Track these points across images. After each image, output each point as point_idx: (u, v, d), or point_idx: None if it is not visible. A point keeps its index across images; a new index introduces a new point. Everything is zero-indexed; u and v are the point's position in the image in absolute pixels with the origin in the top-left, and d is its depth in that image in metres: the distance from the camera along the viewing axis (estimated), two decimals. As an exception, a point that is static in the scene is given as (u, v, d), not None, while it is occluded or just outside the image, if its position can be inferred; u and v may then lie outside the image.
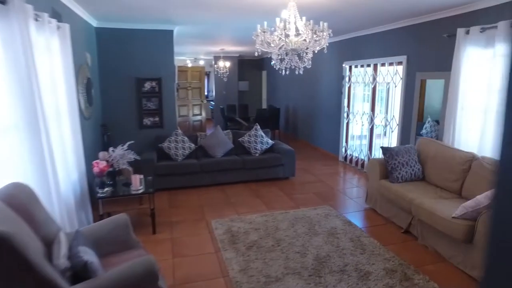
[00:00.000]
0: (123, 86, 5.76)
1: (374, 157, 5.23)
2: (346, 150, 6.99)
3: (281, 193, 5.17)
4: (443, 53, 4.47)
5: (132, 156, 3.70)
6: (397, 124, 5.41)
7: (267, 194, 5.12)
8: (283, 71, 3.79)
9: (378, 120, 5.90)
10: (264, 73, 12.73)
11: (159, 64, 5.86)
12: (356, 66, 6.47)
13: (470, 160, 3.75)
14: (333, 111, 7.35)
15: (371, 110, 6.08)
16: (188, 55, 11.88)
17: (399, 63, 5.30)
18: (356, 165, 6.63)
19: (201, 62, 14.07)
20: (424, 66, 4.81)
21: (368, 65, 6.06)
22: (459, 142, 4.19)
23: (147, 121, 6.00)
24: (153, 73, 5.85)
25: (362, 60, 6.20)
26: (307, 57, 3.45)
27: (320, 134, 8.14)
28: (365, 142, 6.35)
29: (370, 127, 6.14)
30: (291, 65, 3.62)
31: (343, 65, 6.80)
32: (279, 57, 3.56)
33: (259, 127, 6.14)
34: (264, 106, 12.88)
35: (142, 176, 3.93)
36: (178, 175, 5.31)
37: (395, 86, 5.40)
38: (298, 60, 3.50)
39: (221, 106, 9.71)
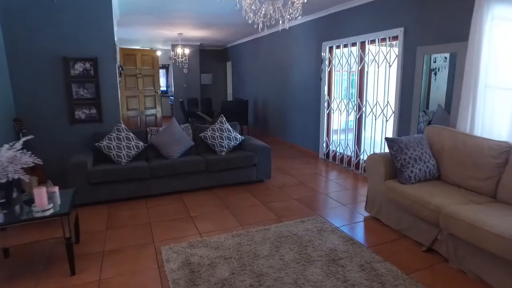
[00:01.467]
0: (44, 68, 4.37)
1: (375, 153, 4.28)
2: (328, 146, 6.02)
3: (256, 201, 4.06)
4: (454, 20, 3.57)
5: (29, 159, 2.41)
6: (393, 112, 4.49)
7: (239, 204, 3.99)
8: (259, 26, 2.64)
9: (368, 109, 4.96)
10: (228, 64, 11.58)
11: (93, 39, 4.53)
12: (338, 47, 5.50)
13: (507, 152, 2.85)
14: (311, 101, 6.36)
15: (358, 97, 5.14)
16: (142, 43, 10.44)
17: (394, 38, 4.38)
18: (341, 163, 5.67)
19: (159, 53, 12.63)
20: (427, 38, 3.91)
21: (354, 44, 5.11)
22: (483, 129, 3.29)
23: (80, 113, 4.64)
24: (86, 51, 4.51)
25: (345, 39, 5.24)
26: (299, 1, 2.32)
27: (295, 129, 7.13)
28: (351, 135, 5.40)
29: (357, 117, 5.19)
30: (271, 17, 2.47)
31: (323, 46, 5.82)
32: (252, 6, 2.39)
33: (224, 119, 4.99)
34: (230, 99, 11.73)
35: (56, 189, 2.66)
36: (121, 182, 4.04)
37: (390, 66, 4.47)
38: (281, 8, 2.37)
39: (180, 99, 8.43)
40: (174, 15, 6.16)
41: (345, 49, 5.35)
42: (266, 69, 8.35)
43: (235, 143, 4.88)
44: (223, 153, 4.75)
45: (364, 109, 5.03)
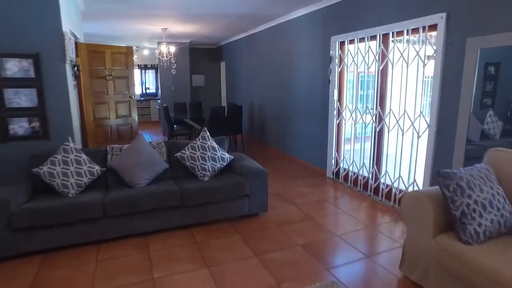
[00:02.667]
0: (-36, 68, 3.28)
1: (418, 190, 3.15)
2: (337, 163, 4.93)
3: (247, 251, 2.96)
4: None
5: None
6: (428, 125, 3.40)
7: (223, 256, 2.89)
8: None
9: (392, 121, 3.87)
10: (222, 64, 10.49)
11: (33, 28, 3.44)
12: (351, 41, 4.42)
13: None
14: (317, 108, 5.27)
15: (378, 105, 4.05)
16: (125, 40, 9.34)
17: (432, 27, 3.29)
18: (354, 185, 4.58)
19: (145, 52, 11.56)
20: (484, 26, 2.82)
21: (372, 38, 4.03)
22: None
23: (17, 128, 3.55)
24: (23, 44, 3.43)
25: (361, 31, 4.16)
26: None
27: (298, 141, 6.04)
28: (368, 152, 4.31)
29: (377, 130, 4.10)
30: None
31: (331, 41, 4.74)
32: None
33: (208, 134, 3.90)
34: (224, 104, 10.65)
35: None
36: (62, 225, 2.94)
37: (424, 66, 3.38)
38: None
39: (164, 105, 7.34)
40: (153, 4, 5.07)
41: (361, 44, 4.26)
42: (264, 70, 7.26)
43: (221, 164, 3.79)
44: (206, 178, 3.66)
45: (386, 120, 3.93)
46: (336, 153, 4.92)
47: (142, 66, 12.08)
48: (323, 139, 5.15)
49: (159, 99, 11.32)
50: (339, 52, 4.63)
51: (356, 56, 4.32)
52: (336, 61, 4.68)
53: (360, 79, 4.47)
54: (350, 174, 4.63)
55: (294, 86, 5.98)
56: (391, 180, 3.90)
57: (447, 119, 3.20)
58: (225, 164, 3.84)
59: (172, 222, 3.33)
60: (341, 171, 4.83)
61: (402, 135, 3.71)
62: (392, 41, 3.77)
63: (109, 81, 5.22)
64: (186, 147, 3.77)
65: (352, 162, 4.59)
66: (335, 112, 4.80)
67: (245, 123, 8.53)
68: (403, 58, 3.61)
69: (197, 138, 3.85)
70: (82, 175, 3.28)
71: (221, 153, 3.82)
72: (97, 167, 3.40)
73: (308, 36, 5.37)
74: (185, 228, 3.40)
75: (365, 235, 3.27)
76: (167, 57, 7.55)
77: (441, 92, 3.23)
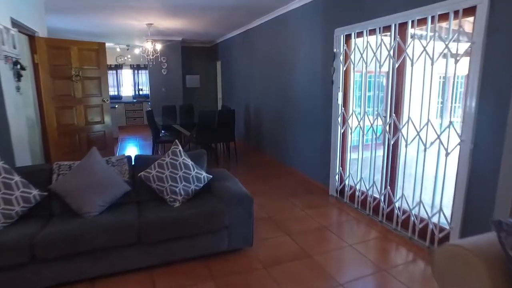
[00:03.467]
0: None
1: (459, 244, 2.29)
2: (342, 180, 4.15)
3: (218, 311, 2.21)
4: None
5: None
6: (461, 140, 2.61)
7: (185, 318, 2.14)
8: None
9: (410, 132, 3.09)
10: (218, 64, 9.75)
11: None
12: (359, 34, 3.64)
13: None
14: (319, 113, 4.51)
15: (392, 112, 3.27)
16: (114, 38, 8.64)
17: (467, 11, 2.51)
18: (362, 208, 3.80)
19: (137, 51, 10.86)
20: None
21: (386, 28, 3.25)
22: None
23: None
24: None
25: (371, 22, 3.39)
26: None
27: (297, 150, 5.27)
28: (381, 168, 3.52)
29: (391, 143, 3.32)
30: None
31: (335, 34, 3.97)
32: None
33: (180, 148, 3.15)
34: (220, 107, 9.92)
35: None
36: (-26, 273, 2.21)
37: (456, 62, 2.60)
38: None
39: (148, 108, 6.61)
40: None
41: (371, 38, 3.49)
42: (260, 69, 6.51)
43: (197, 186, 3.04)
44: (177, 204, 2.92)
45: (403, 131, 3.15)
46: (340, 168, 4.15)
47: (135, 66, 11.40)
48: (325, 150, 4.38)
49: (147, 101, 10.62)
50: (344, 48, 3.86)
51: (365, 52, 3.55)
52: (341, 58, 3.91)
53: (368, 79, 3.69)
54: (357, 193, 3.85)
55: (292, 87, 5.21)
56: (408, 205, 3.12)
57: (488, 132, 2.42)
58: (201, 185, 3.09)
59: (127, 263, 2.59)
60: (346, 189, 4.05)
61: (425, 150, 2.93)
62: (412, 36, 2.99)
63: (76, 82, 4.50)
64: (153, 165, 3.02)
65: (360, 180, 3.81)
66: (339, 119, 4.03)
67: (241, 127, 7.78)
68: (427, 53, 2.83)
69: (166, 154, 3.10)
70: (13, 202, 2.55)
71: (196, 172, 3.07)
72: (35, 192, 2.67)
73: (308, 29, 4.61)
74: (144, 271, 2.65)
75: (377, 285, 2.49)
76: (153, 55, 6.81)
77: (479, 96, 2.44)
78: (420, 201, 2.98)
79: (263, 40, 6.24)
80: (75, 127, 4.55)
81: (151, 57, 6.87)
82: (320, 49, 4.35)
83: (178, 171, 3.00)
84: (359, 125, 3.73)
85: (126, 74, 11.48)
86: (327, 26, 4.14)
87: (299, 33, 4.88)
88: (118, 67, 11.27)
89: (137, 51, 10.72)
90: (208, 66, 10.13)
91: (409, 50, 3.01)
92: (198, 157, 3.26)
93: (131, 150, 7.52)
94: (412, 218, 3.09)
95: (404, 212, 3.21)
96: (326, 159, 4.37)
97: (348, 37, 3.84)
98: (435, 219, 2.87)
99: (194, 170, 3.07)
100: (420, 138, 2.94)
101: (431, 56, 2.79)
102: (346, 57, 3.87)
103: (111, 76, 11.31)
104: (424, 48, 2.83)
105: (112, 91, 11.39)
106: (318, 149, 4.59)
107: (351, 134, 3.96)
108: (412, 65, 2.97)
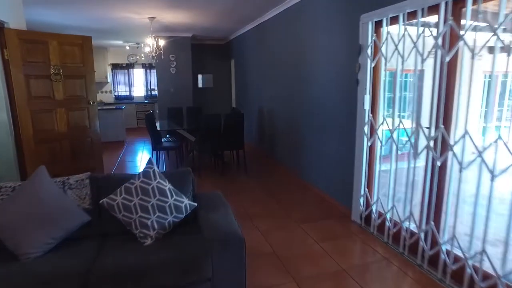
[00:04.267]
0: None
1: None
2: (368, 204, 3.31)
3: None
4: None
5: None
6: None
7: None
8: None
9: (467, 148, 2.23)
10: (232, 63, 9.04)
11: None
12: (393, 20, 2.80)
13: None
14: (341, 119, 3.69)
15: (440, 122, 2.42)
16: (118, 36, 8.09)
17: None
18: (395, 243, 2.95)
19: (147, 49, 10.30)
20: None
21: (431, 10, 2.41)
22: None
23: None
24: None
25: (409, 1, 2.55)
26: None
27: (315, 162, 4.47)
28: (418, 194, 2.67)
29: (438, 162, 2.46)
30: None
31: (361, 22, 3.14)
32: None
33: (155, 168, 2.44)
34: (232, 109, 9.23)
35: None
36: None
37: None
38: None
39: (150, 110, 6.00)
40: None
41: (410, 28, 2.65)
42: (272, 68, 5.74)
43: (176, 218, 2.32)
44: (148, 241, 2.22)
45: (456, 149, 2.30)
46: (366, 189, 3.32)
47: (147, 65, 10.89)
48: (347, 165, 3.56)
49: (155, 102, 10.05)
50: (373, 38, 3.03)
51: (402, 42, 2.71)
52: (369, 52, 3.08)
53: (405, 79, 2.85)
54: (387, 223, 3.01)
55: (307, 88, 4.42)
56: (463, 253, 2.27)
57: None
58: (182, 216, 2.36)
59: (68, 330, 1.89)
60: (373, 216, 3.22)
61: (492, 179, 2.07)
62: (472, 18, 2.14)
63: (56, 81, 3.90)
64: (119, 190, 2.32)
65: (392, 208, 2.97)
66: (366, 128, 3.20)
67: (254, 132, 7.04)
68: (500, 40, 1.97)
69: (136, 176, 2.39)
70: None
71: (175, 200, 2.35)
72: (-42, 225, 2.03)
73: (328, 18, 3.80)
74: None
75: None
76: (155, 52, 6.18)
77: None
78: (483, 251, 2.12)
79: (276, 35, 5.47)
80: (55, 133, 3.95)
81: (154, 55, 6.24)
82: (342, 41, 3.53)
83: (150, 198, 2.29)
84: (391, 138, 2.89)
85: (138, 74, 10.99)
86: (351, 12, 3.33)
87: (316, 23, 4.07)
88: (129, 66, 10.80)
89: (147, 49, 10.17)
90: (222, 65, 9.44)
91: (469, 37, 2.15)
92: (180, 178, 2.55)
93: (133, 158, 6.93)
94: (469, 271, 2.23)
95: (456, 259, 2.36)
96: (348, 176, 3.55)
97: (378, 25, 3.01)
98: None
99: (172, 197, 2.34)
100: (483, 160, 2.09)
101: (506, 44, 1.93)
102: (376, 50, 3.04)
103: (122, 75, 10.86)
104: (495, 32, 1.97)
105: (124, 91, 10.95)
106: (339, 163, 3.78)
107: (380, 148, 3.12)
108: (473, 58, 2.11)
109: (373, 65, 3.07)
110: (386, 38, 2.87)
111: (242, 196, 4.38)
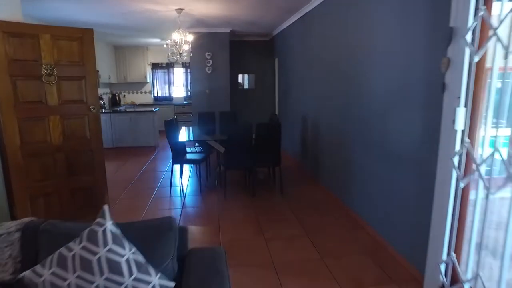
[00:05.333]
0: None
1: None
2: (455, 273, 2.13)
3: None
4: None
5: None
6: None
7: None
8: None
9: None
10: (276, 62, 8.06)
11: None
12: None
13: None
14: (411, 142, 2.55)
15: None
16: (151, 33, 7.51)
17: None
18: None
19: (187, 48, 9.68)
20: None
21: None
22: None
23: None
24: None
25: None
26: None
27: (368, 194, 3.33)
28: None
29: None
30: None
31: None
32: None
33: (107, 225, 1.52)
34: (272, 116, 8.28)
35: None
36: None
37: None
38: None
39: (173, 117, 5.25)
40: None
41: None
42: (318, 68, 4.66)
43: (132, 312, 1.39)
44: None
45: None
46: (453, 254, 2.14)
47: (187, 65, 10.30)
48: (422, 209, 2.42)
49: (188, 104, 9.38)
50: (481, 14, 1.86)
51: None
52: (467, 38, 1.92)
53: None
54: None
55: (363, 97, 3.30)
56: None
57: None
58: (146, 306, 1.44)
59: None
60: (464, 296, 2.04)
61: None
62: None
63: (50, 83, 3.21)
64: (49, 259, 1.46)
65: (505, 297, 1.78)
66: (455, 160, 2.04)
67: (296, 144, 6.00)
68: None
69: (81, 234, 1.52)
70: None
71: (136, 280, 1.43)
72: None
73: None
74: None
75: None
76: (181, 49, 5.39)
77: None
78: None
79: (324, 24, 4.38)
80: (48, 145, 3.28)
81: (180, 52, 5.47)
82: (419, 25, 2.39)
83: (94, 276, 1.40)
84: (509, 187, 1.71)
85: (178, 74, 10.46)
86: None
87: (380, 5, 2.95)
88: (169, 65, 10.30)
89: (186, 47, 9.56)
90: (265, 64, 8.50)
91: None
92: (155, 235, 1.62)
93: (161, 167, 6.24)
94: None
95: None
96: (422, 225, 2.40)
97: (489, 2, 1.85)
98: None
99: (131, 274, 1.43)
100: None
101: None
102: (483, 35, 1.88)
103: (161, 75, 10.40)
104: None
105: (163, 92, 10.49)
106: (406, 202, 2.63)
107: (485, 197, 1.94)
108: None
109: (476, 59, 1.90)
110: (504, 17, 1.69)
111: (272, 230, 3.40)
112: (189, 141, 4.90)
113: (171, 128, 4.64)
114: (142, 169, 5.88)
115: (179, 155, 4.70)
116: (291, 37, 6.19)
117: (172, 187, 4.74)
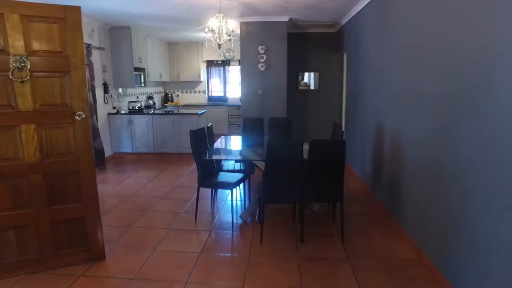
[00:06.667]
0: None
1: None
2: None
3: None
4: None
5: None
6: None
7: None
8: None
9: None
10: (345, 58, 6.62)
11: None
12: None
13: None
14: None
15: None
16: (188, 24, 6.60)
17: None
18: None
19: (210, 36, 8.69)
20: None
21: None
22: None
23: None
24: None
25: None
26: None
27: (486, 257, 1.85)
28: None
29: None
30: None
31: None
32: None
33: None
34: (342, 122, 6.89)
35: None
36: None
37: None
38: None
39: (206, 125, 4.22)
40: None
41: None
42: (404, 65, 3.18)
43: None
44: None
45: None
46: None
47: (244, 62, 9.32)
48: None
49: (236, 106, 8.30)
50: None
51: None
52: None
53: None
54: None
55: (475, 106, 1.84)
56: None
57: None
58: None
59: None
60: None
61: None
62: None
63: (20, 81, 2.35)
64: None
65: None
66: None
67: (367, 162, 4.56)
68: None
69: None
70: None
71: None
72: None
73: None
74: None
75: None
76: (221, 39, 4.30)
77: None
78: None
79: (416, 12, 2.92)
80: (20, 164, 2.43)
81: (219, 43, 4.38)
82: None
83: None
84: None
85: (234, 72, 9.54)
86: None
87: None
88: (225, 63, 9.42)
89: (210, 35, 8.56)
90: (331, 60, 7.10)
91: None
92: None
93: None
94: None
95: None
96: None
97: None
98: None
99: None
100: None
101: None
102: None
103: (217, 73, 9.56)
104: None
105: (218, 92, 9.66)
106: None
107: None
108: None
109: None
110: None
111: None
112: (258, 156, 3.78)
113: (199, 140, 3.58)
114: (175, 183, 4.97)
115: (207, 176, 3.63)
116: (365, 24, 4.75)
117: (197, 215, 3.69)
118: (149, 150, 6.68)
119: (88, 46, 5.62)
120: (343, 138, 3.82)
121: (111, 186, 4.86)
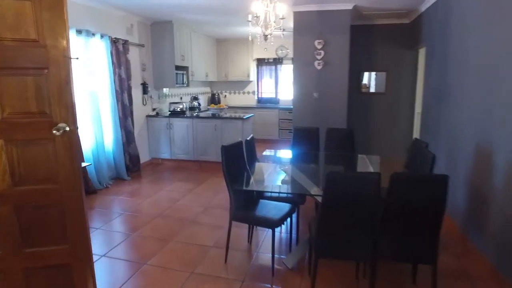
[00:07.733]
0: None
1: None
2: None
3: None
4: None
5: None
6: None
7: None
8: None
9: None
10: (421, 53, 5.39)
11: None
12: None
13: None
14: None
15: None
16: (229, 15, 5.79)
17: None
18: None
19: (253, 26, 7.75)
20: None
21: None
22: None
23: None
24: None
25: None
26: None
27: None
28: None
29: None
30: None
31: None
32: None
33: None
34: (417, 136, 5.71)
35: None
36: None
37: None
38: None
39: (246, 138, 3.38)
40: None
41: None
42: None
43: None
44: None
45: None
46: None
47: (298, 61, 8.37)
48: None
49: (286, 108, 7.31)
50: None
51: None
52: None
53: None
54: None
55: None
56: None
57: None
58: None
59: None
60: None
61: None
62: None
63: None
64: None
65: None
66: None
67: (461, 194, 3.40)
68: None
69: None
70: None
71: None
72: None
73: None
74: None
75: None
76: (267, 28, 3.42)
77: None
78: None
79: None
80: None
81: (265, 33, 3.49)
82: None
83: None
84: None
85: (287, 71, 8.64)
86: None
87: None
88: (277, 61, 8.56)
89: (253, 24, 7.61)
90: (403, 57, 5.89)
91: None
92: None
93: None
94: None
95: None
96: None
97: None
98: None
99: None
100: None
101: None
102: None
103: (268, 72, 8.73)
104: None
105: (269, 93, 8.83)
106: None
107: None
108: None
109: None
110: None
111: None
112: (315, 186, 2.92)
113: (234, 158, 2.76)
114: (211, 201, 4.23)
115: (243, 207, 2.79)
116: (460, 8, 3.56)
117: (228, 252, 2.86)
118: (188, 157, 6.05)
119: (125, 42, 5.10)
120: (433, 160, 2.72)
121: (137, 202, 4.25)
